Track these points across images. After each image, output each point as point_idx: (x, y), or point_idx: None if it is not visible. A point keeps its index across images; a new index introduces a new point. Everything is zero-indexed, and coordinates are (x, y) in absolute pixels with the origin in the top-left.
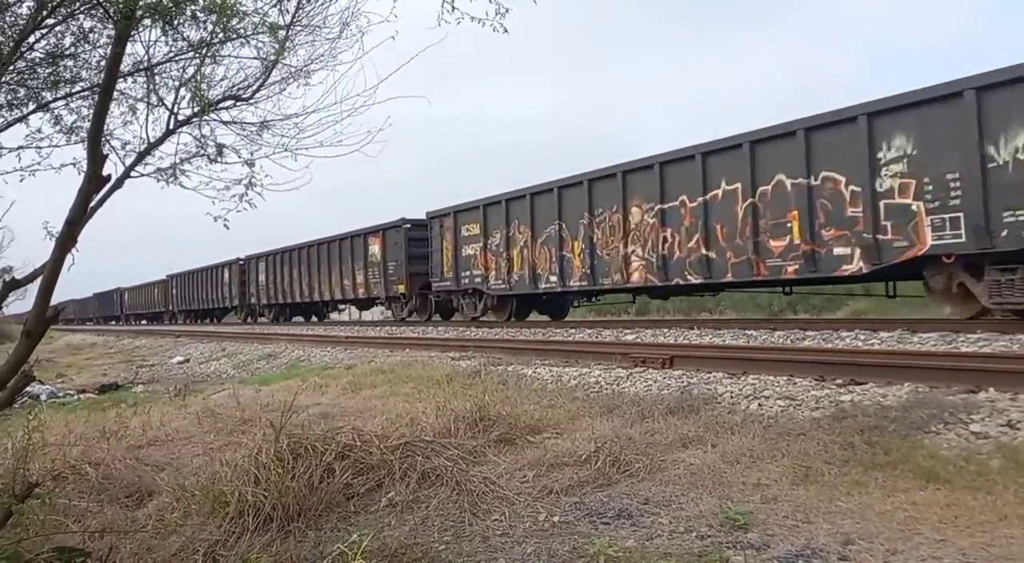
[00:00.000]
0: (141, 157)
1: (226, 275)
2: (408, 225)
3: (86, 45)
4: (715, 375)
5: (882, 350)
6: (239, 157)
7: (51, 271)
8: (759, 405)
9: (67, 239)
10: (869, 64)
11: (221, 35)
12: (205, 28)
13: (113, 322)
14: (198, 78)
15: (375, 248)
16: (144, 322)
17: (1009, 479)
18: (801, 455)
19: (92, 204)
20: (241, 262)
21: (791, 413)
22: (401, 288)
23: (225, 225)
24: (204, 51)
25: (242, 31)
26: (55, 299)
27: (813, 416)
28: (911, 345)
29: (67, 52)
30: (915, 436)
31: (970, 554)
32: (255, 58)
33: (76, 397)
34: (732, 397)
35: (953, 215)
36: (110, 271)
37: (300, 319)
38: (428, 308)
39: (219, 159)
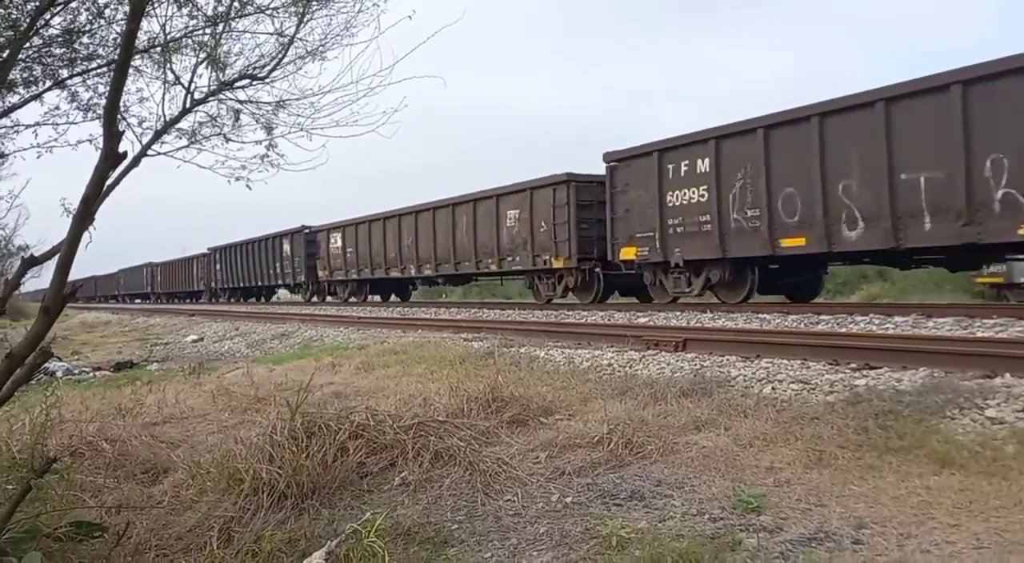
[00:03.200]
0: (158, 135)
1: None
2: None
3: (101, 21)
4: (728, 358)
5: (897, 335)
6: (257, 124)
7: (68, 248)
8: (772, 388)
9: (83, 216)
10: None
11: (237, 6)
12: (221, 2)
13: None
14: (215, 53)
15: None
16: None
17: None
18: (814, 439)
19: (109, 182)
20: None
21: (805, 397)
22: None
23: (248, 185)
24: (221, 26)
25: (260, 4)
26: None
27: (827, 400)
28: (926, 330)
29: (83, 29)
30: (930, 421)
31: (984, 539)
32: (272, 34)
33: (92, 374)
34: (745, 380)
35: None
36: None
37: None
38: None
39: (236, 131)
